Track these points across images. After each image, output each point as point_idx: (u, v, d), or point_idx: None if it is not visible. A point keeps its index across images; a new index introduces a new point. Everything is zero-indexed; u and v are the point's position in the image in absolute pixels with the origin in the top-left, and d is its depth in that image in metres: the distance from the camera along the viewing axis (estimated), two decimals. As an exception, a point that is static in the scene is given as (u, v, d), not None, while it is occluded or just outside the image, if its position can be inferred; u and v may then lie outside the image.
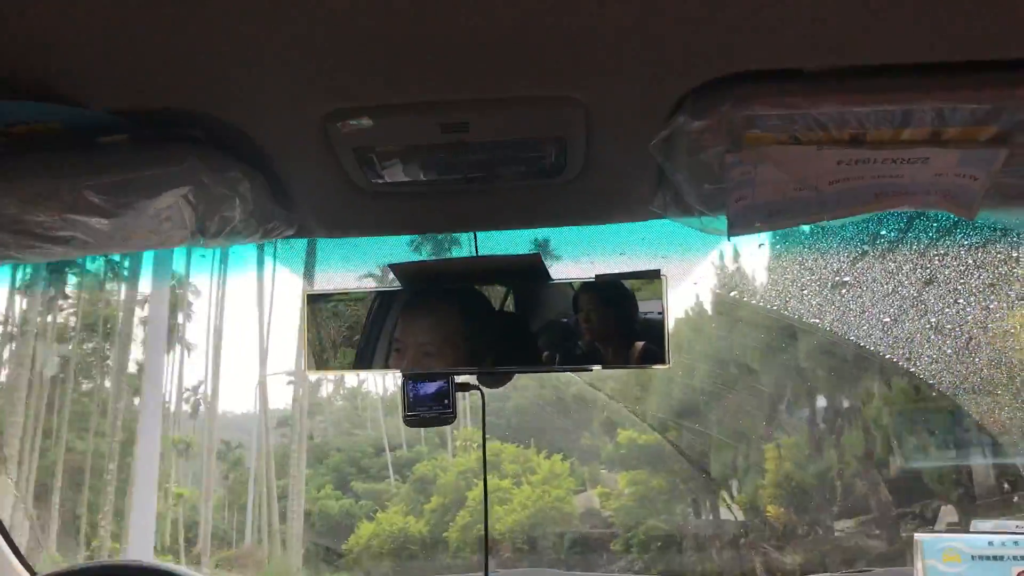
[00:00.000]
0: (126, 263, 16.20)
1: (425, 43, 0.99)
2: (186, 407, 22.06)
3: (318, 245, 1.93)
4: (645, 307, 1.46)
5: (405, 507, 17.38)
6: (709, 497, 15.11)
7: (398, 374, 1.58)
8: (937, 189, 1.17)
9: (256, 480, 19.53)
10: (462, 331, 1.55)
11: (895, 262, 2.48)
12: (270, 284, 19.59)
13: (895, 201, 1.19)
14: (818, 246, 2.41)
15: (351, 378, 26.99)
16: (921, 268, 2.44)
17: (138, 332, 17.76)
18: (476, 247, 1.62)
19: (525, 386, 17.73)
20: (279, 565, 17.58)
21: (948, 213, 1.23)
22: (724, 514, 14.61)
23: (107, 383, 18.47)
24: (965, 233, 2.15)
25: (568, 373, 3.65)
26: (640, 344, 1.48)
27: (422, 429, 12.86)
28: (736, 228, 1.22)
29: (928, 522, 11.74)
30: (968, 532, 1.90)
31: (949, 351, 2.77)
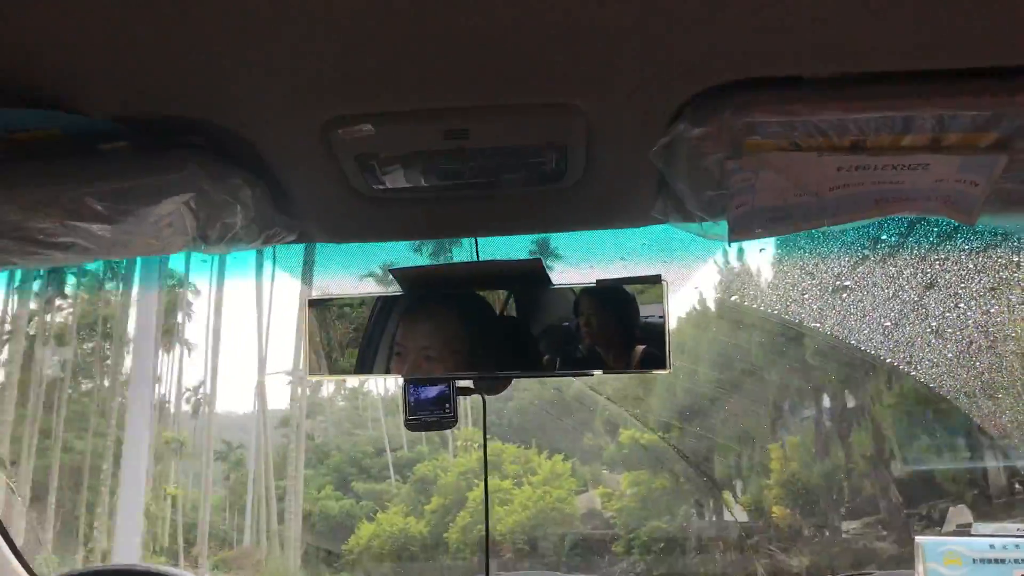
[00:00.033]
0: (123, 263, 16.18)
1: (426, 50, 1.00)
2: (187, 407, 22.03)
3: (317, 249, 1.93)
4: (646, 312, 1.46)
5: (405, 508, 17.37)
6: (713, 497, 15.06)
7: (399, 377, 1.59)
8: (938, 195, 1.17)
9: (255, 480, 19.50)
10: (463, 336, 1.55)
11: (896, 266, 2.48)
12: (269, 284, 19.61)
13: (895, 207, 1.19)
14: (819, 251, 2.41)
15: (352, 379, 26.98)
16: (922, 273, 2.44)
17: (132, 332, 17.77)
18: (477, 252, 1.63)
19: (527, 387, 17.71)
20: (276, 566, 17.56)
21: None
22: (729, 515, 14.55)
23: (105, 382, 18.47)
24: (966, 238, 2.15)
25: (569, 375, 3.65)
26: (641, 349, 1.48)
27: (423, 430, 12.83)
28: (736, 234, 1.22)
29: (936, 523, 11.65)
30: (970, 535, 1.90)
31: (949, 355, 2.77)
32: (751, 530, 13.65)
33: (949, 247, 2.20)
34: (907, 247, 2.18)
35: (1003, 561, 1.81)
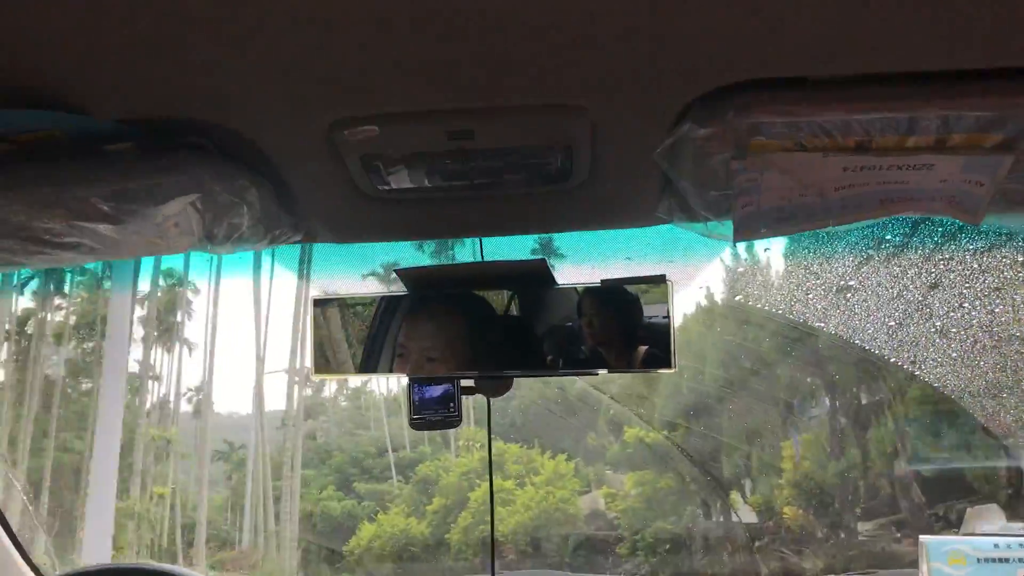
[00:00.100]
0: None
1: (431, 52, 1.00)
2: (187, 407, 22.00)
3: (316, 248, 1.94)
4: (650, 311, 1.47)
5: (407, 508, 17.35)
6: (720, 498, 14.96)
7: (403, 376, 1.59)
8: (942, 195, 1.17)
9: (253, 480, 19.46)
10: (467, 335, 1.55)
11: (900, 266, 2.48)
12: (267, 284, 19.57)
13: (900, 207, 1.19)
14: (823, 250, 2.41)
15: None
16: (926, 273, 2.44)
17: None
18: (481, 252, 1.63)
19: (530, 385, 17.69)
20: (273, 566, 17.52)
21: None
22: (739, 515, 14.44)
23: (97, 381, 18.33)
24: (970, 238, 2.15)
25: (572, 375, 3.65)
26: (645, 348, 1.48)
27: (425, 430, 12.80)
28: (741, 234, 1.22)
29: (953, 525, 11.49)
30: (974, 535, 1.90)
31: (954, 355, 2.77)
32: (761, 531, 13.54)
33: (954, 247, 2.20)
34: (911, 247, 2.18)
35: (1007, 560, 1.80)
